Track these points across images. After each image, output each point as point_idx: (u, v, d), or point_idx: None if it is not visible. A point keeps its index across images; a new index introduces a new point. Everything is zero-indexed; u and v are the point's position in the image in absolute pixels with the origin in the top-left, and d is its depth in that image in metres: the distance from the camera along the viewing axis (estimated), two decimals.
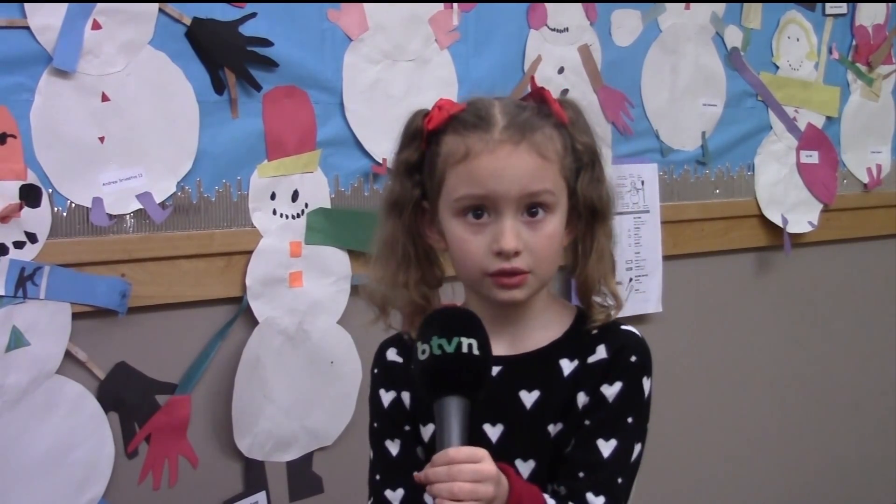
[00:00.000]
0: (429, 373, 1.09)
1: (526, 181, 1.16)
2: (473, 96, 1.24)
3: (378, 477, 1.27)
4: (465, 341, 1.08)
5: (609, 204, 1.25)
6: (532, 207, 1.18)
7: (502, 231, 1.16)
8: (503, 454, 1.19)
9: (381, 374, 1.31)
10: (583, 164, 1.23)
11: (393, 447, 1.27)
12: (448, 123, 1.20)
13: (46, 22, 1.58)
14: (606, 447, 1.19)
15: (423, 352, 1.09)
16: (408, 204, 1.25)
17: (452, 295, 1.31)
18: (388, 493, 1.25)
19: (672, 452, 2.40)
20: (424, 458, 1.27)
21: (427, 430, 1.26)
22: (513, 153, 1.17)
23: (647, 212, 2.35)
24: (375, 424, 1.30)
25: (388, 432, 1.28)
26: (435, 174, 1.21)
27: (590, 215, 1.24)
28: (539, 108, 1.22)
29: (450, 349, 1.08)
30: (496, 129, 1.17)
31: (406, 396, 1.28)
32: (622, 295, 1.27)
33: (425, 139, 1.23)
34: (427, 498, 1.24)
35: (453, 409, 1.07)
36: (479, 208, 1.18)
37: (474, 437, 1.19)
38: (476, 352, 1.08)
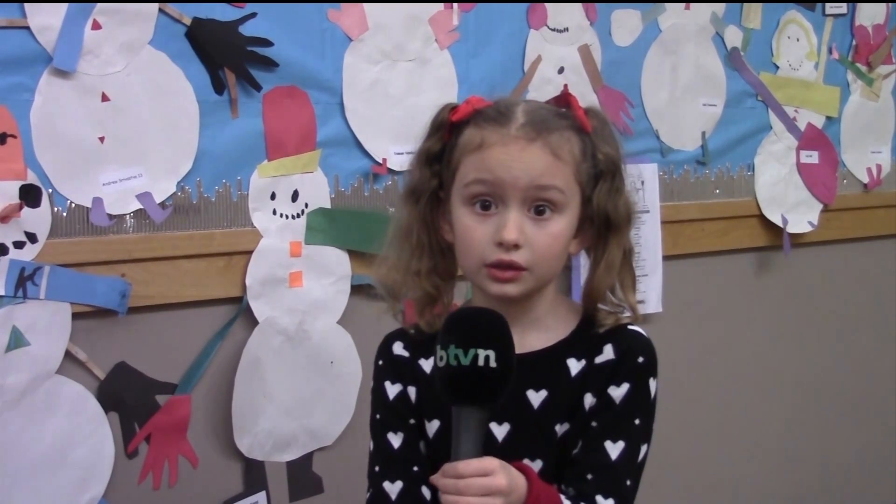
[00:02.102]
0: (444, 382, 1.09)
1: (535, 174, 1.17)
2: (502, 96, 1.27)
3: (377, 468, 1.27)
4: (482, 353, 1.06)
5: (626, 217, 1.25)
6: (540, 205, 1.18)
7: (505, 222, 1.17)
8: (509, 454, 1.19)
9: (387, 366, 1.31)
10: (602, 173, 1.24)
11: (395, 440, 1.27)
12: (471, 117, 1.22)
13: (46, 22, 1.57)
14: (614, 449, 1.19)
15: (441, 358, 1.08)
16: (425, 193, 1.26)
17: (467, 292, 1.31)
18: (387, 485, 1.25)
19: (672, 452, 2.39)
20: (428, 454, 1.27)
21: (432, 426, 1.26)
22: (526, 148, 1.18)
23: (647, 212, 2.35)
24: (378, 416, 1.30)
25: (390, 425, 1.28)
26: (451, 163, 1.23)
27: (603, 225, 1.24)
28: (563, 112, 1.24)
29: (465, 361, 1.06)
30: (513, 125, 1.19)
31: (412, 391, 1.28)
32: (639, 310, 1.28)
33: (448, 130, 1.24)
34: (425, 491, 1.25)
35: (466, 420, 1.07)
36: (487, 198, 1.18)
37: None
38: (493, 364, 1.06)
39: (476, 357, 1.05)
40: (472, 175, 1.19)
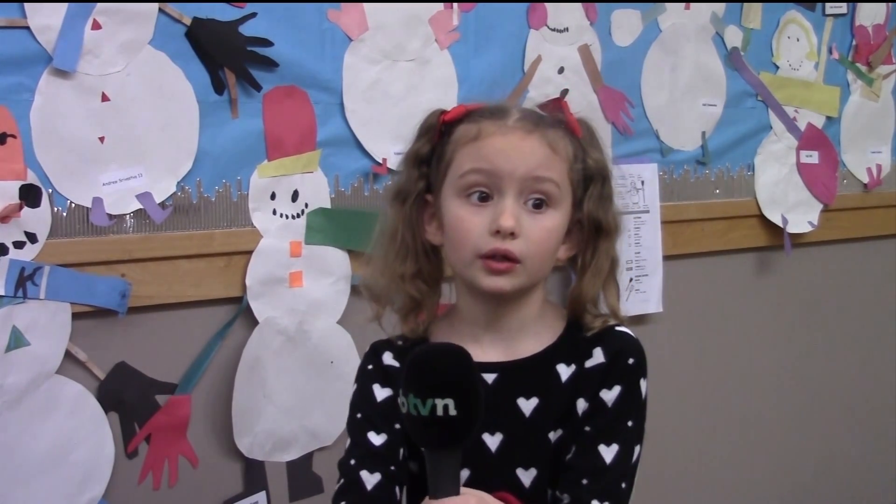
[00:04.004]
0: (408, 429, 1.06)
1: (533, 165, 1.18)
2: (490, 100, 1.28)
3: (353, 461, 1.24)
4: (439, 403, 1.01)
5: (615, 225, 1.25)
6: (536, 197, 1.18)
7: (502, 210, 1.16)
8: (503, 463, 1.19)
9: (377, 372, 1.28)
10: (592, 178, 1.24)
11: (376, 439, 1.24)
12: (464, 116, 1.23)
13: (46, 22, 1.58)
14: (608, 452, 1.18)
15: (403, 405, 1.04)
16: (411, 194, 1.26)
17: (450, 296, 1.31)
18: (364, 474, 1.22)
19: (672, 453, 2.40)
20: (419, 468, 1.25)
21: None
22: (524, 138, 1.18)
23: (647, 212, 2.35)
24: (359, 415, 1.27)
25: (374, 425, 1.25)
26: (443, 159, 1.23)
27: (594, 232, 1.24)
28: (555, 115, 1.24)
29: (424, 412, 1.01)
30: (510, 118, 1.20)
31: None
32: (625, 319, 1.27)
33: (438, 131, 1.25)
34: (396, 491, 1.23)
35: (438, 462, 1.04)
36: (484, 189, 1.18)
37: (474, 448, 1.18)
38: (453, 412, 1.01)
39: (434, 407, 1.01)
40: (468, 165, 1.19)
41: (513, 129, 1.19)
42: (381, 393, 1.27)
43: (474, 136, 1.20)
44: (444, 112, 1.25)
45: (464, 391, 1.02)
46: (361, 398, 1.28)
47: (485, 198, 1.18)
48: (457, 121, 1.23)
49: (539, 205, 1.19)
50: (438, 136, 1.25)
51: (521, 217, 1.17)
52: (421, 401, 1.01)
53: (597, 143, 1.27)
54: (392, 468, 1.23)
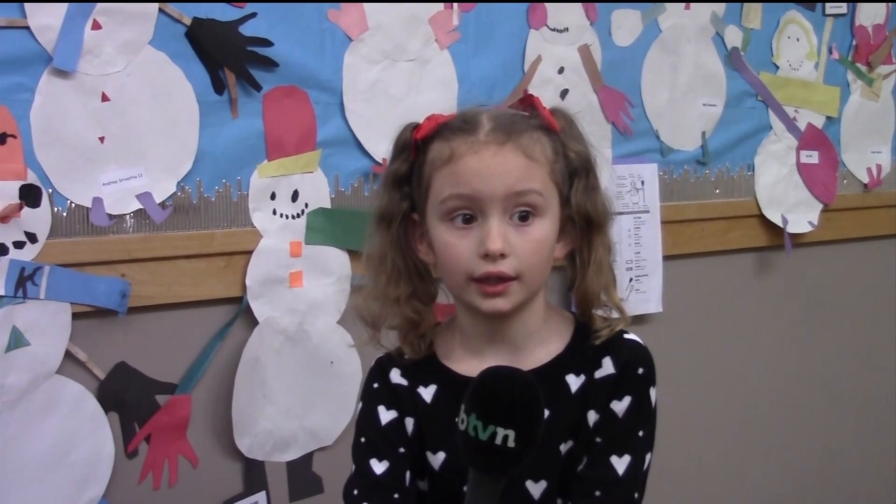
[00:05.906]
0: (461, 445, 1.03)
1: (511, 181, 1.14)
2: (465, 106, 1.24)
3: (356, 492, 1.23)
4: (500, 432, 0.98)
5: (606, 214, 1.23)
6: (521, 211, 1.15)
7: (488, 232, 1.13)
8: (516, 476, 1.17)
9: (384, 392, 1.26)
10: (576, 172, 1.21)
11: (378, 467, 1.23)
12: (436, 131, 1.19)
13: (46, 22, 1.58)
14: (621, 463, 1.17)
15: (462, 421, 1.00)
16: (396, 216, 1.23)
17: (448, 299, 1.30)
18: None
19: (672, 452, 2.39)
20: (430, 487, 1.25)
21: (437, 458, 1.23)
22: (497, 153, 1.14)
23: (647, 212, 2.35)
24: (363, 440, 1.25)
25: (377, 451, 1.23)
26: (422, 181, 1.20)
27: (586, 225, 1.22)
28: (529, 114, 1.21)
29: (483, 437, 0.98)
30: (481, 132, 1.16)
31: (410, 422, 1.25)
32: (626, 309, 1.25)
33: (414, 149, 1.21)
34: None
35: (480, 485, 1.02)
36: (467, 211, 1.15)
37: None
38: (511, 444, 0.98)
39: (494, 435, 0.98)
40: (447, 190, 1.16)
41: (485, 144, 1.14)
42: (385, 415, 1.25)
43: (448, 159, 1.16)
44: (416, 127, 1.21)
45: (527, 424, 0.99)
46: (366, 420, 1.26)
47: (469, 219, 1.15)
48: (430, 137, 1.19)
49: (525, 217, 1.15)
50: (415, 153, 1.21)
51: (508, 235, 1.14)
52: (482, 424, 0.98)
53: (576, 132, 1.23)
54: (396, 496, 1.22)
